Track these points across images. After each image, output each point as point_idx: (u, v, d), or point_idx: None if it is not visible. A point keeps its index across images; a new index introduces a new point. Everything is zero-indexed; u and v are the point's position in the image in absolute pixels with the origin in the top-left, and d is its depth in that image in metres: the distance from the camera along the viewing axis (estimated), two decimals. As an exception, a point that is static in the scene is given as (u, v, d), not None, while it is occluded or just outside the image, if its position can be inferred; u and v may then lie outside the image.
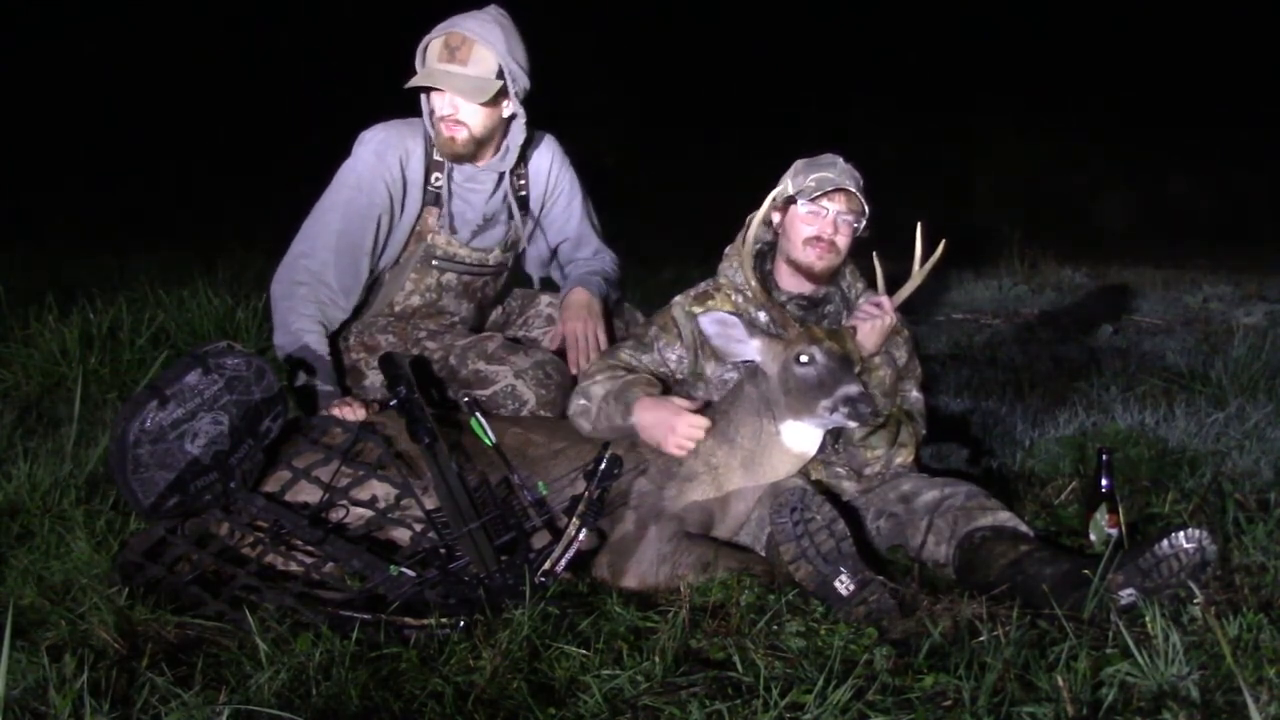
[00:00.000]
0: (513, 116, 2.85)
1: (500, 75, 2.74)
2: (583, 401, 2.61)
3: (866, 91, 13.73)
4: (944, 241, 2.60)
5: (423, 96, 2.82)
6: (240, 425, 2.33)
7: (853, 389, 2.34)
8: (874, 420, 2.46)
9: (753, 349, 2.51)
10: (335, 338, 2.93)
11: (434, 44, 2.74)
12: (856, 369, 2.43)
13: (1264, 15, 12.33)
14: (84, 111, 12.10)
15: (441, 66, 2.72)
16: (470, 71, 2.71)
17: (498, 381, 2.80)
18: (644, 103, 13.47)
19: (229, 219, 9.70)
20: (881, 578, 2.22)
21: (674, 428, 2.45)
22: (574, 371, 2.87)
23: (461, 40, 2.71)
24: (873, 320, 2.60)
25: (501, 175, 2.95)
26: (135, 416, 2.18)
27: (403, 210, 2.86)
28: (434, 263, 2.92)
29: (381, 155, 2.80)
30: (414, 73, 2.77)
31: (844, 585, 2.13)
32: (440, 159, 2.86)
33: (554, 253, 3.20)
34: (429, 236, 2.90)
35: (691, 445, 2.46)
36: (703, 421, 2.47)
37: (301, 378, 2.68)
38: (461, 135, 2.78)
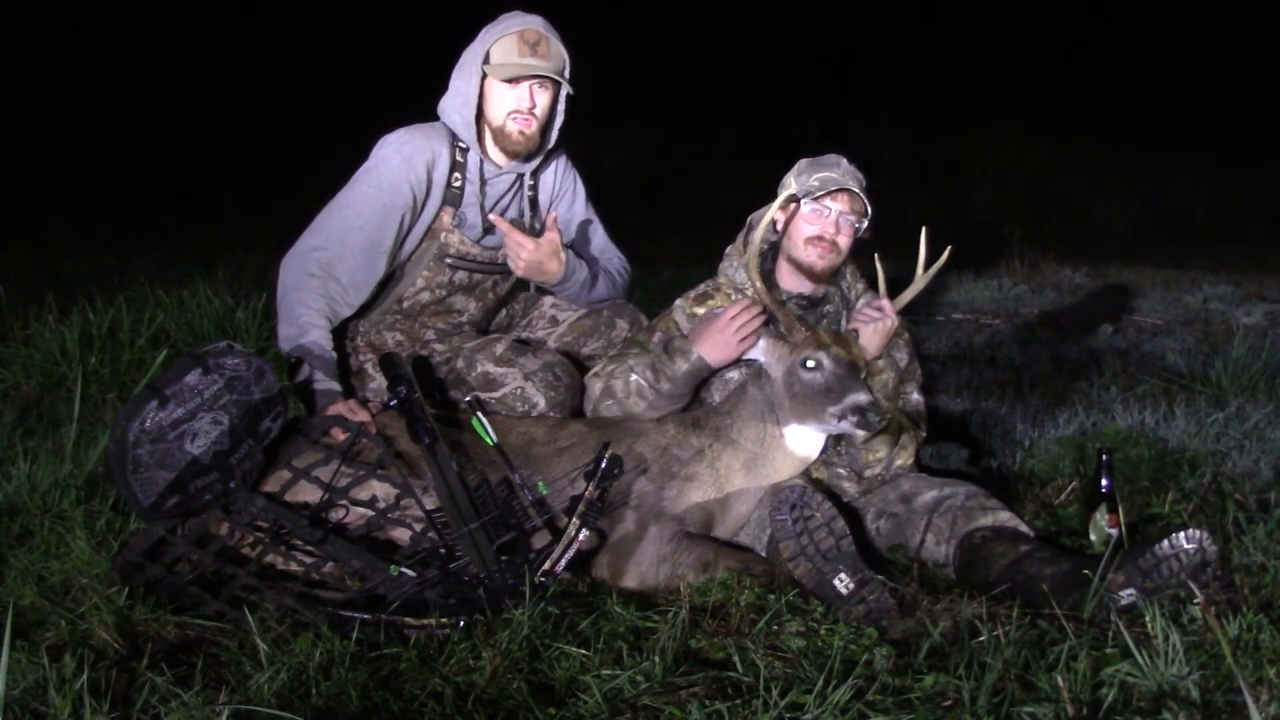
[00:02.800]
0: (553, 116, 2.89)
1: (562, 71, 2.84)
2: (633, 378, 2.63)
3: (867, 91, 13.72)
4: (949, 247, 2.59)
5: (482, 93, 2.83)
6: (240, 425, 2.32)
7: (862, 398, 2.33)
8: (880, 427, 2.46)
9: (759, 349, 2.52)
10: (340, 338, 2.93)
11: (506, 41, 2.77)
12: (863, 375, 2.43)
13: (1264, 15, 12.33)
14: (84, 111, 12.09)
15: (530, 60, 2.77)
16: (553, 65, 2.80)
17: (507, 384, 2.80)
18: (644, 103, 13.48)
19: (229, 219, 9.72)
20: (881, 577, 2.22)
21: (729, 322, 2.50)
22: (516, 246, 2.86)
23: (539, 36, 2.78)
24: (875, 323, 2.61)
25: (520, 176, 2.97)
26: (135, 416, 2.18)
27: (423, 210, 2.87)
28: (447, 260, 2.92)
29: (409, 158, 2.81)
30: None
31: (843, 584, 2.13)
32: (462, 155, 2.88)
33: None
34: (442, 235, 2.90)
35: (754, 325, 2.50)
36: (745, 303, 2.52)
37: (303, 373, 2.67)
38: (531, 129, 2.85)
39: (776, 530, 2.20)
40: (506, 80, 2.78)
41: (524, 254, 2.83)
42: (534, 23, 2.80)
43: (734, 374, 2.67)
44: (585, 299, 3.06)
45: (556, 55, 2.82)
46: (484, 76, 2.80)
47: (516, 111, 2.81)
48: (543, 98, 2.83)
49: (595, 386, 2.71)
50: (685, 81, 13.87)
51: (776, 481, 2.49)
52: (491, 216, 2.91)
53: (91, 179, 11.31)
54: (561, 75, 2.83)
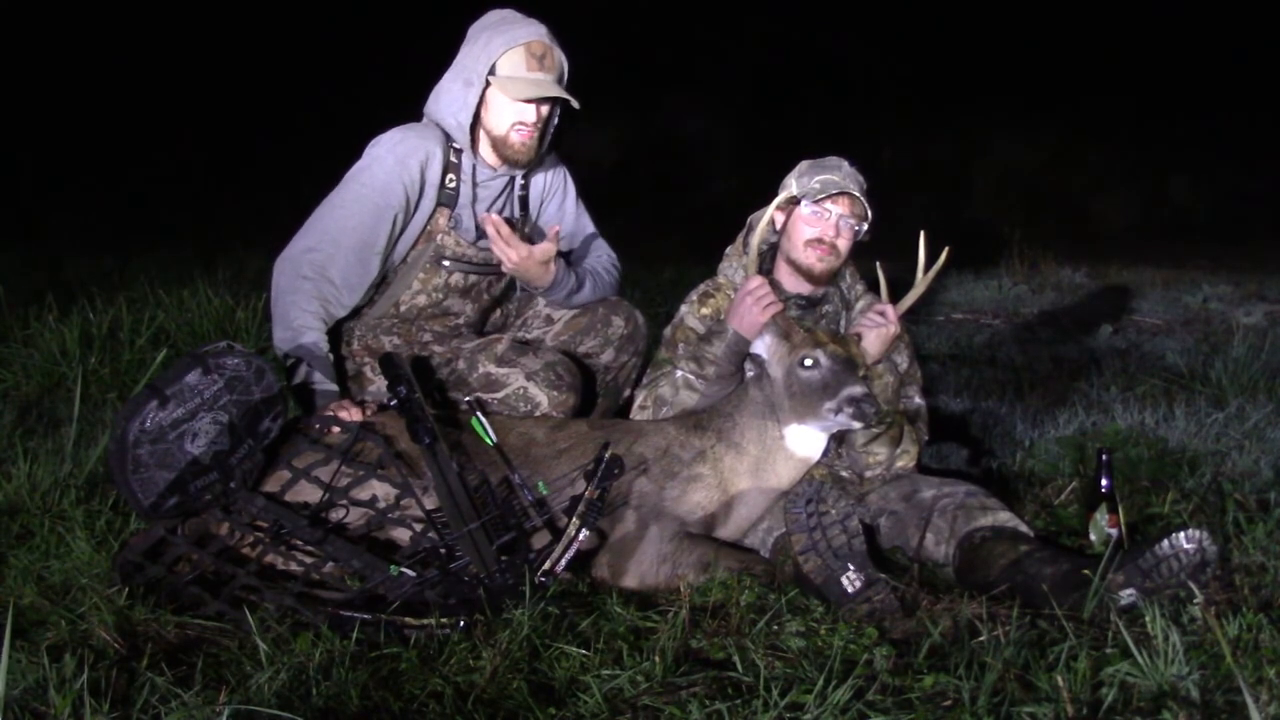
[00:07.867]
0: (549, 122, 2.90)
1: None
2: (678, 374, 2.69)
3: (866, 91, 13.73)
4: (947, 249, 2.60)
5: (482, 99, 2.82)
6: (240, 425, 2.32)
7: (856, 390, 2.35)
8: (878, 420, 2.46)
9: (762, 344, 2.53)
10: (337, 341, 2.93)
11: (514, 54, 2.76)
12: (860, 372, 2.43)
13: (1265, 14, 12.33)
14: (84, 111, 12.09)
15: (539, 75, 2.77)
16: (557, 75, 2.80)
17: (509, 384, 2.80)
18: (643, 102, 13.47)
19: (229, 219, 9.71)
20: (885, 576, 2.22)
21: (746, 295, 2.54)
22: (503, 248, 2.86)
23: (545, 48, 2.77)
24: (878, 329, 2.61)
25: (512, 176, 2.97)
26: (135, 416, 2.18)
27: (416, 211, 2.87)
28: (444, 263, 2.92)
29: (402, 159, 2.81)
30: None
31: (850, 582, 2.13)
32: (456, 157, 2.88)
33: None
34: (439, 236, 2.90)
35: (771, 298, 2.53)
36: (757, 279, 2.56)
37: (301, 375, 2.67)
38: (533, 139, 2.86)
39: (790, 523, 2.20)
40: (520, 99, 2.78)
41: (512, 257, 2.85)
42: (539, 32, 2.77)
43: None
44: (570, 304, 3.06)
45: (558, 63, 2.81)
46: (487, 85, 2.79)
47: (521, 123, 2.81)
48: (545, 109, 2.84)
49: (644, 414, 2.73)
50: (684, 80, 13.87)
51: (779, 485, 2.50)
52: (480, 215, 2.91)
53: (91, 179, 11.30)
54: (563, 83, 2.82)
